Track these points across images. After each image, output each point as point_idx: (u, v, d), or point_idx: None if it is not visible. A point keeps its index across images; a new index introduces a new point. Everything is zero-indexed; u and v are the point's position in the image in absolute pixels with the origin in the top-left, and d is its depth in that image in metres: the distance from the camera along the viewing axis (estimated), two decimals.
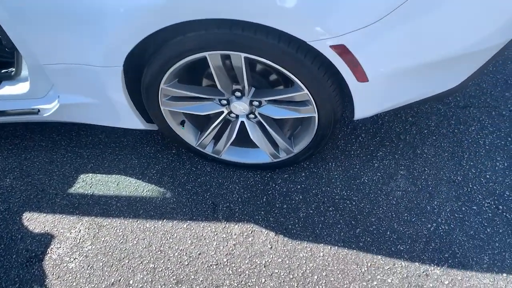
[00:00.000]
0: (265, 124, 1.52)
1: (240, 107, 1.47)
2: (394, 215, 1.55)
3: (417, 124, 1.83)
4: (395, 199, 1.60)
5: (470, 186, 1.59)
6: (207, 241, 1.59)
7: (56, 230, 1.73)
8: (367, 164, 1.72)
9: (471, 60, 1.26)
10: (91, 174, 1.93)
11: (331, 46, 1.11)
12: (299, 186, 1.69)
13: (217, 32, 1.16)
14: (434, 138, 1.77)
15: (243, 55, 1.21)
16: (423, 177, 1.65)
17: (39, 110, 1.78)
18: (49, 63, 1.43)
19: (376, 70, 1.20)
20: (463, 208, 1.53)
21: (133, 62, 1.34)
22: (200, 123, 1.67)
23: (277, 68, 1.24)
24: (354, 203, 1.61)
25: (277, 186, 1.71)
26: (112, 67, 1.32)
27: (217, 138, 1.65)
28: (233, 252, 1.54)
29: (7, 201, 1.89)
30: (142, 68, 1.39)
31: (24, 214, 1.83)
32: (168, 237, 1.62)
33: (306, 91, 1.28)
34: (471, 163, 1.65)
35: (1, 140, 2.18)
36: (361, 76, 1.20)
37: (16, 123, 2.24)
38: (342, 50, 1.12)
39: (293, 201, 1.65)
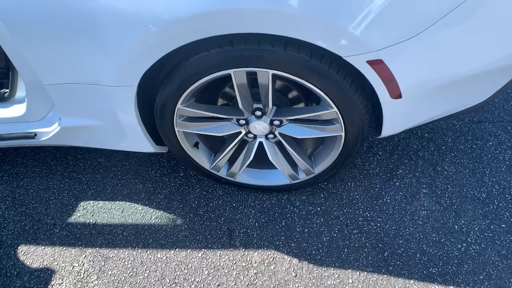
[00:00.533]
0: (285, 144, 1.44)
1: (259, 127, 1.39)
2: (421, 236, 1.48)
3: (434, 141, 1.79)
4: (420, 219, 1.53)
5: (496, 203, 1.54)
6: (226, 270, 1.47)
7: (57, 264, 1.58)
8: (388, 183, 1.66)
9: (501, 74, 1.23)
10: (92, 202, 1.80)
11: (368, 61, 1.06)
12: (319, 208, 1.61)
13: (244, 48, 1.09)
14: (453, 154, 1.73)
15: (271, 72, 1.14)
16: (446, 195, 1.59)
17: (35, 134, 1.66)
18: (53, 83, 1.32)
19: (411, 86, 1.15)
20: (492, 227, 1.48)
21: (146, 80, 1.25)
22: (214, 144, 1.58)
23: (306, 85, 1.17)
24: (379, 224, 1.54)
25: (295, 209, 1.62)
26: (126, 87, 1.22)
27: (232, 160, 1.56)
28: (254, 282, 1.43)
29: None
30: (155, 86, 1.30)
31: (19, 248, 1.67)
32: (183, 268, 1.50)
33: (335, 109, 1.22)
34: (494, 180, 1.61)
35: None
36: (395, 92, 1.15)
37: (5, 147, 2.09)
38: (379, 66, 1.07)
39: (314, 225, 1.56)
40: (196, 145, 1.53)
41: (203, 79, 1.19)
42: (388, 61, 1.06)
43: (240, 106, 1.30)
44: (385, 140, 1.81)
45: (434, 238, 1.47)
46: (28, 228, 1.73)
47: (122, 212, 1.73)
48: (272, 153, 1.49)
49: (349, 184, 1.67)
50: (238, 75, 1.17)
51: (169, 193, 1.77)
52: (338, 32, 1.01)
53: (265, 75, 1.16)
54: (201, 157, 1.55)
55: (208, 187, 1.77)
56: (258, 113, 1.35)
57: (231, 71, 1.16)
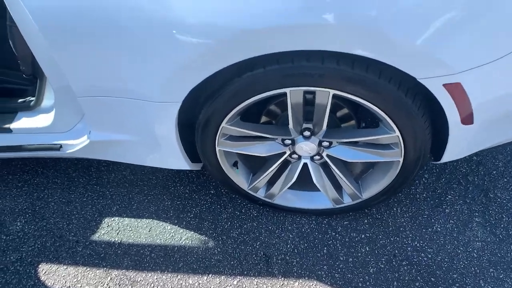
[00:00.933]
0: (332, 166, 1.33)
1: (306, 148, 1.29)
2: (478, 271, 1.36)
3: (484, 164, 1.67)
4: (475, 251, 1.41)
5: None
6: None
7: (80, 287, 1.48)
8: (437, 209, 1.54)
9: None
10: (117, 218, 1.70)
11: (444, 85, 0.95)
12: (363, 236, 1.50)
13: (306, 65, 0.99)
14: (505, 180, 1.61)
15: (332, 92, 1.03)
16: (501, 225, 1.47)
17: (61, 146, 1.57)
18: (87, 95, 1.23)
19: (484, 111, 1.04)
20: None
21: (188, 96, 1.15)
22: (254, 164, 1.48)
23: (369, 108, 1.06)
24: (429, 256, 1.42)
25: (337, 235, 1.51)
26: (170, 103, 1.12)
27: (271, 180, 1.45)
28: None
29: (18, 250, 1.63)
30: (197, 102, 1.20)
31: (40, 266, 1.57)
32: None
33: (397, 133, 1.11)
34: None
35: (9, 176, 1.93)
36: (467, 118, 1.04)
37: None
38: (456, 90, 0.96)
39: (359, 254, 1.45)
40: (235, 164, 1.43)
41: (254, 97, 1.09)
42: (466, 85, 0.96)
43: (291, 126, 1.20)
44: (431, 162, 1.70)
45: (492, 274, 1.35)
46: (49, 245, 1.64)
47: (149, 231, 1.63)
48: (317, 176, 1.38)
49: (394, 209, 1.56)
50: (294, 94, 1.07)
51: (199, 212, 1.67)
52: (417, 52, 0.91)
53: (325, 95, 1.05)
54: (239, 177, 1.44)
55: (241, 206, 1.66)
56: (307, 133, 1.24)
57: (287, 90, 1.06)
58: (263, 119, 1.38)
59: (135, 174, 1.87)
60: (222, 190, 1.73)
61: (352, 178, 1.39)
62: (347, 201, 1.43)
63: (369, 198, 1.39)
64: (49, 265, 1.57)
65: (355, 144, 1.25)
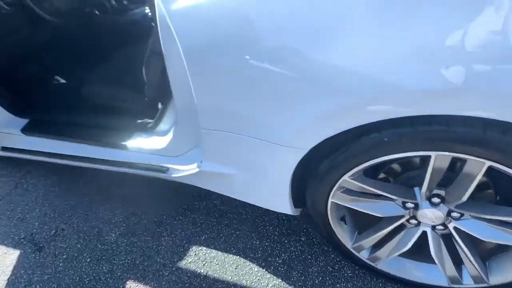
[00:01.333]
0: (458, 241, 1.18)
1: (431, 215, 1.15)
2: None
3: None
4: None
5: None
6: None
7: None
8: None
9: None
10: (204, 248, 1.68)
11: None
12: None
13: (462, 131, 0.89)
14: None
15: (488, 163, 0.91)
16: None
17: (168, 169, 1.61)
18: (212, 129, 1.24)
19: None
20: None
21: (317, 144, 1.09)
22: (361, 221, 1.37)
23: None
24: None
25: None
26: (297, 149, 1.08)
27: (379, 243, 1.33)
28: None
29: (110, 261, 1.68)
30: (322, 150, 1.14)
31: (128, 282, 1.59)
32: None
33: None
34: None
35: (109, 187, 2.04)
36: None
37: None
38: None
39: None
40: (342, 219, 1.33)
41: (391, 155, 1.01)
42: None
43: (423, 190, 1.08)
44: None
45: None
46: (138, 263, 1.66)
47: (236, 268, 1.58)
48: (436, 247, 1.23)
49: None
50: (440, 159, 0.97)
51: (288, 258, 1.58)
52: None
53: (478, 166, 0.93)
54: (344, 233, 1.34)
55: (334, 262, 1.55)
56: (436, 200, 1.12)
57: (432, 153, 0.96)
58: (381, 175, 1.28)
59: (225, 205, 1.85)
60: (314, 239, 1.64)
61: (478, 257, 1.21)
62: (467, 282, 1.25)
63: (497, 285, 1.20)
64: (136, 284, 1.58)
65: (493, 220, 1.09)
